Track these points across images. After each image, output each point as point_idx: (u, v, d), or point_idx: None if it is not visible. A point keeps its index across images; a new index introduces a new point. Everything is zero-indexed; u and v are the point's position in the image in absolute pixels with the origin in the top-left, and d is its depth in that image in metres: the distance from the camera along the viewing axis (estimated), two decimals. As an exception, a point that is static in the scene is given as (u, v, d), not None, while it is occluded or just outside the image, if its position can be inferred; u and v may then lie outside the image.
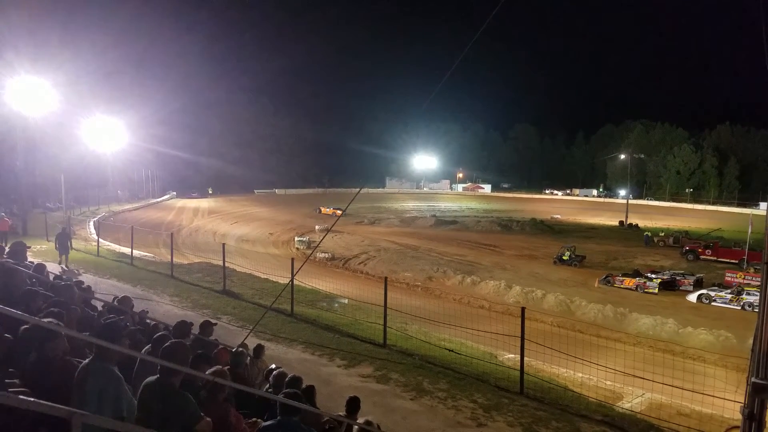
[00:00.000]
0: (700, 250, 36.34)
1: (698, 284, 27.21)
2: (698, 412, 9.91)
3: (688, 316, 22.21)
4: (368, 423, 5.17)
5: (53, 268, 13.97)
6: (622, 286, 27.60)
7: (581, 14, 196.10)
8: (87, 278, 14.58)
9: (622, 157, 79.60)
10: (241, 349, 6.84)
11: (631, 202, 66.91)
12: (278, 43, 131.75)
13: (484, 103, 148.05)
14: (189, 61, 79.68)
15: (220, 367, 4.65)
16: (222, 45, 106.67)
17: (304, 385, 5.29)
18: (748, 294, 23.72)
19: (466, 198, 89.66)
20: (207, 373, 4.32)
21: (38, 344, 4.19)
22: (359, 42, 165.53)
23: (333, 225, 12.10)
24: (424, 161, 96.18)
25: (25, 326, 4.34)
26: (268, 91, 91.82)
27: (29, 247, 10.10)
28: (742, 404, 3.43)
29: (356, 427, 5.13)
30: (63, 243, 18.23)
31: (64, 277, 9.98)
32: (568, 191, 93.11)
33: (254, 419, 4.64)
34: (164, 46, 78.84)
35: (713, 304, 24.44)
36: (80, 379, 3.76)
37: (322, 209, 60.17)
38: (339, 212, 52.41)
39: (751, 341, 3.52)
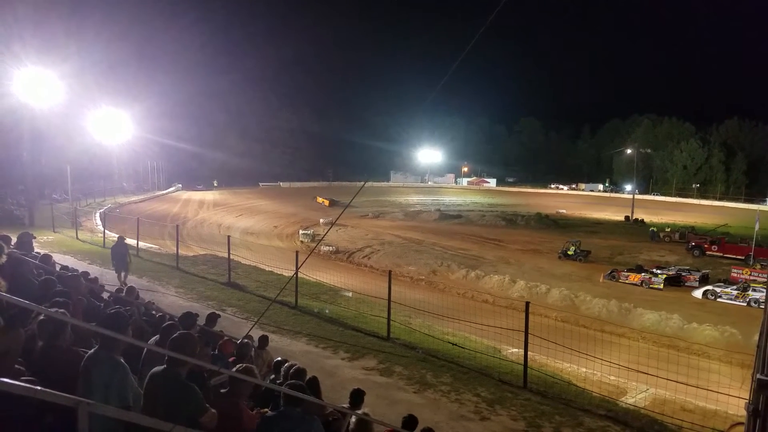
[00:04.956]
0: (706, 245, 36.14)
1: (704, 280, 27.09)
2: (702, 408, 9.90)
3: (693, 312, 22.14)
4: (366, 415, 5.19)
5: (58, 258, 14.07)
6: (627, 281, 27.54)
7: (588, 8, 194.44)
8: (93, 269, 14.68)
9: (629, 151, 79.14)
10: (246, 340, 6.87)
11: (637, 197, 66.64)
12: (283, 36, 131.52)
13: (489, 96, 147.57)
14: (194, 53, 79.68)
15: (251, 366, 4.65)
16: (227, 37, 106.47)
17: (307, 377, 5.32)
18: (754, 290, 23.65)
19: (470, 192, 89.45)
20: (234, 369, 4.34)
21: (47, 334, 4.22)
22: (364, 35, 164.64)
23: (337, 218, 12.11)
24: (429, 155, 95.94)
25: (41, 318, 4.37)
26: (273, 83, 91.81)
27: (35, 238, 10.14)
28: (747, 401, 3.41)
29: (354, 418, 5.14)
30: (120, 256, 14.57)
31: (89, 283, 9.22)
32: (573, 186, 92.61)
33: (264, 410, 4.67)
34: (169, 37, 78.73)
35: (719, 300, 24.36)
36: (86, 369, 3.79)
37: (318, 198, 65.06)
38: (327, 202, 61.81)
39: (756, 337, 3.50)
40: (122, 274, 14.32)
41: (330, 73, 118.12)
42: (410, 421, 5.39)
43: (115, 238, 24.06)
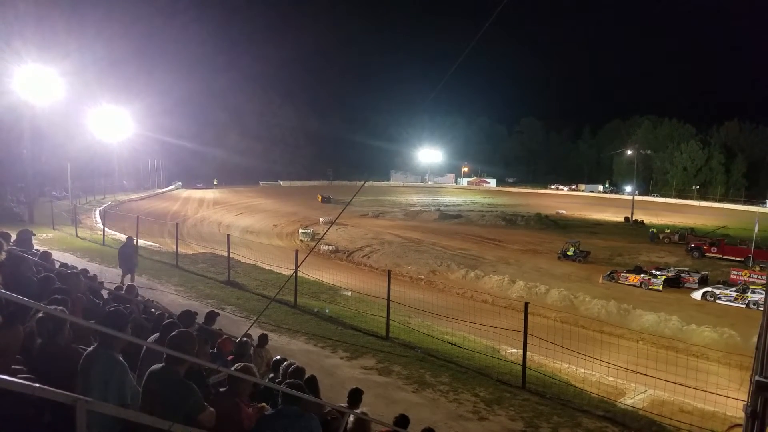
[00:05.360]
0: (705, 247, 36.16)
1: (703, 282, 27.09)
2: (701, 410, 9.90)
3: (692, 314, 22.15)
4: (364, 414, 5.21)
5: (58, 255, 14.06)
6: (626, 282, 27.53)
7: (589, 8, 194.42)
8: (92, 267, 14.68)
9: (629, 152, 79.15)
10: (245, 339, 6.88)
11: (636, 198, 66.65)
12: (284, 34, 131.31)
13: (489, 96, 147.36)
14: (194, 51, 79.57)
15: (250, 365, 4.64)
16: (227, 35, 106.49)
17: (306, 376, 5.32)
18: (753, 292, 23.63)
19: (470, 192, 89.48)
20: (233, 368, 4.34)
21: (46, 331, 4.22)
22: (365, 34, 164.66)
23: (337, 217, 12.11)
24: (429, 155, 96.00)
25: (40, 315, 4.37)
26: (274, 82, 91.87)
27: (34, 235, 10.13)
28: (745, 402, 3.41)
29: (352, 417, 5.15)
30: (127, 257, 14.01)
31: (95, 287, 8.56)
32: (573, 186, 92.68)
33: (262, 404, 4.67)
34: (170, 35, 78.71)
35: (718, 301, 24.35)
36: (85, 367, 3.79)
37: (318, 196, 67.18)
38: (320, 198, 65.52)
39: (755, 339, 3.50)
40: (128, 276, 13.62)
41: (330, 72, 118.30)
42: (402, 421, 5.41)
43: (114, 235, 24.17)
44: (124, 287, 9.25)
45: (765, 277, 26.38)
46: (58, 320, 4.12)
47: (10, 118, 28.28)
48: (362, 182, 49.80)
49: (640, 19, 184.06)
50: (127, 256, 14.04)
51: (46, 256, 8.37)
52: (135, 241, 15.65)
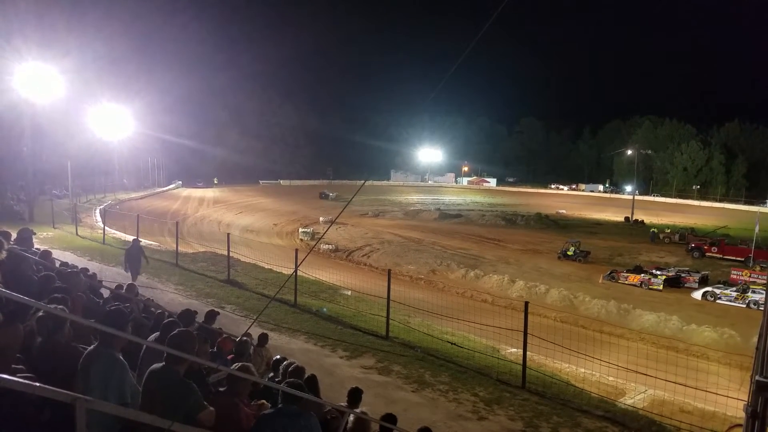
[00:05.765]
0: (705, 247, 36.16)
1: (703, 281, 27.09)
2: (701, 410, 9.90)
3: (692, 314, 22.16)
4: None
5: (58, 254, 14.05)
6: (626, 282, 27.53)
7: (589, 8, 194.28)
8: (93, 265, 14.69)
9: (629, 152, 79.13)
10: (245, 338, 6.87)
11: (637, 198, 66.63)
12: (284, 34, 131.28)
13: (489, 96, 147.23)
14: (194, 50, 79.42)
15: (248, 364, 4.64)
16: (227, 33, 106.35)
17: (306, 375, 5.31)
18: (754, 292, 23.64)
19: (470, 192, 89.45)
20: (233, 367, 4.35)
21: (46, 330, 4.22)
22: (365, 34, 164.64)
23: (337, 217, 12.09)
24: (430, 154, 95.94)
25: (40, 314, 4.37)
26: (274, 81, 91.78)
27: (35, 234, 10.12)
28: (746, 402, 3.41)
29: (352, 416, 5.15)
30: (133, 258, 13.89)
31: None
32: (573, 186, 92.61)
33: (261, 401, 4.67)
34: (170, 33, 78.70)
35: (718, 301, 24.36)
36: (85, 365, 3.79)
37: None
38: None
39: (755, 339, 3.50)
40: (136, 276, 13.57)
41: (330, 72, 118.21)
42: (389, 419, 5.43)
43: (114, 234, 24.15)
44: (125, 285, 9.25)
45: (765, 277, 26.40)
46: (58, 319, 4.13)
47: (10, 116, 28.27)
48: (362, 181, 49.93)
49: (640, 19, 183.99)
50: (134, 257, 13.95)
51: (46, 254, 8.37)
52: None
